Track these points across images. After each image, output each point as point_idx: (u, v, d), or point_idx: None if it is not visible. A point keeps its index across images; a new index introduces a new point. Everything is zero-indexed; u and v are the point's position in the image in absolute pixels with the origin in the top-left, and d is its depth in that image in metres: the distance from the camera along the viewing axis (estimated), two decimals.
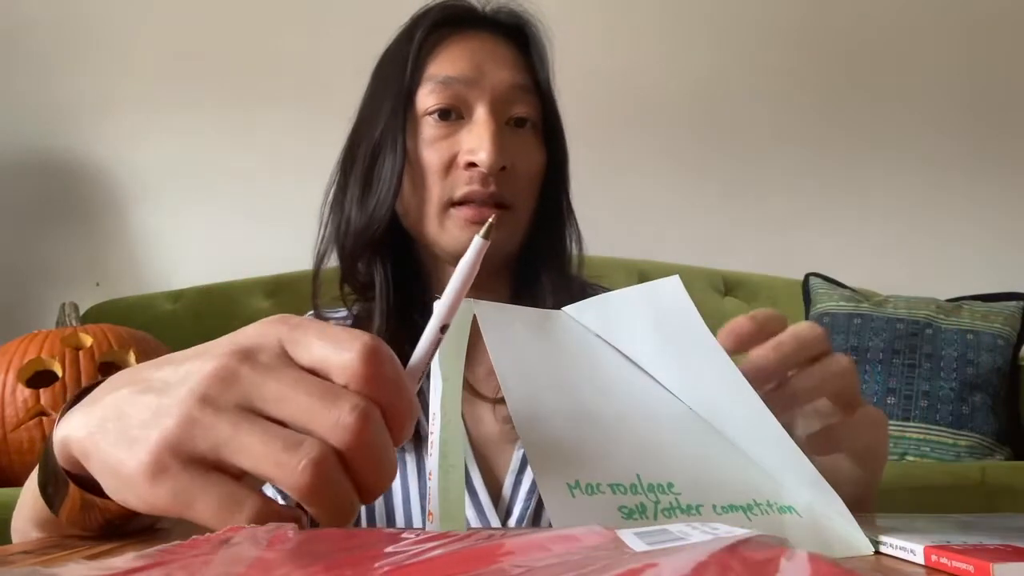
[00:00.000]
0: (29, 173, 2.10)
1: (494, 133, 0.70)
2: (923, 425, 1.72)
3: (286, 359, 0.33)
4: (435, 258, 0.77)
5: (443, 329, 0.39)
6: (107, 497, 0.35)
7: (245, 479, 0.32)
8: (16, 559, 0.33)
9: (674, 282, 0.48)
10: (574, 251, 0.80)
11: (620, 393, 0.45)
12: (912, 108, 2.24)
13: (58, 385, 1.43)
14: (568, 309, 0.52)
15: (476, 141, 0.70)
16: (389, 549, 0.26)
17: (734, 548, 0.24)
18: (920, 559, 0.34)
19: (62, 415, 0.37)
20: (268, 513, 0.31)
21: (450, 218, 0.71)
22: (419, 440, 0.71)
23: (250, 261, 2.02)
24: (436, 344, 0.39)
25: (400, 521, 0.70)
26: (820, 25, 2.26)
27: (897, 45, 2.26)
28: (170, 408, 0.31)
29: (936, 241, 2.21)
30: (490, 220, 0.39)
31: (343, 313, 0.80)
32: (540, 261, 0.77)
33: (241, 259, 2.04)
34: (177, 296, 1.99)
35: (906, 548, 0.35)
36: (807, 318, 1.93)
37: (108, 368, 1.48)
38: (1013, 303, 1.83)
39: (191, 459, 0.31)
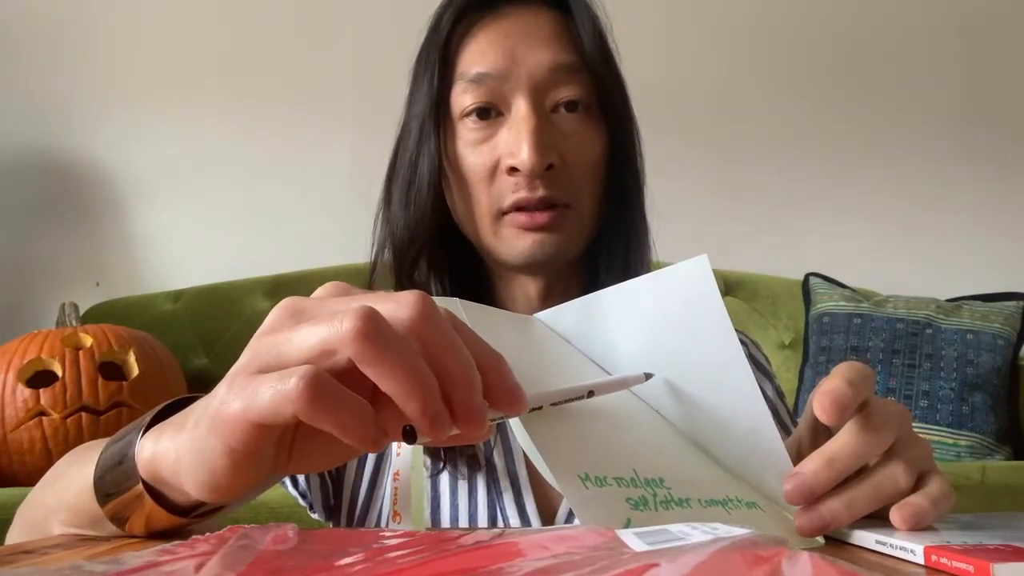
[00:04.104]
0: (29, 173, 2.10)
1: (533, 130, 0.63)
2: (923, 425, 1.72)
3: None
4: (500, 267, 0.70)
5: (590, 394, 0.41)
6: (169, 510, 0.38)
7: None
8: (16, 559, 0.33)
9: (701, 262, 0.45)
10: (651, 255, 0.71)
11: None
12: (912, 108, 2.24)
13: (58, 385, 1.43)
14: (543, 315, 0.52)
15: (514, 142, 0.63)
16: (389, 549, 0.26)
17: (735, 548, 0.24)
18: (920, 559, 0.34)
19: (145, 431, 0.38)
20: (323, 378, 0.31)
21: (504, 227, 0.66)
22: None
23: (250, 261, 2.03)
24: (574, 398, 0.41)
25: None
26: (820, 25, 2.26)
27: (897, 45, 2.26)
28: (244, 352, 0.35)
29: (936, 241, 2.21)
30: None
31: None
32: (606, 263, 0.69)
33: (241, 259, 2.04)
34: (177, 296, 1.99)
35: (906, 548, 0.35)
36: (807, 318, 1.93)
37: (108, 368, 1.48)
38: (1013, 303, 1.83)
39: (259, 369, 0.33)
